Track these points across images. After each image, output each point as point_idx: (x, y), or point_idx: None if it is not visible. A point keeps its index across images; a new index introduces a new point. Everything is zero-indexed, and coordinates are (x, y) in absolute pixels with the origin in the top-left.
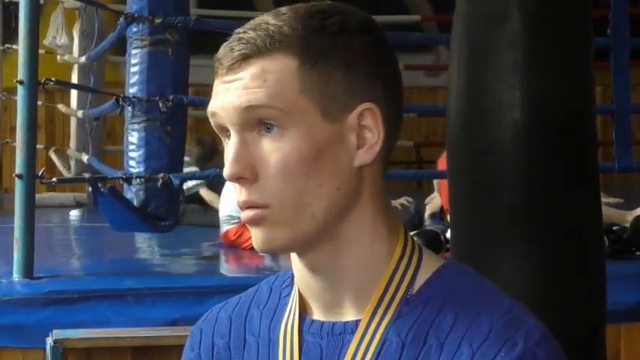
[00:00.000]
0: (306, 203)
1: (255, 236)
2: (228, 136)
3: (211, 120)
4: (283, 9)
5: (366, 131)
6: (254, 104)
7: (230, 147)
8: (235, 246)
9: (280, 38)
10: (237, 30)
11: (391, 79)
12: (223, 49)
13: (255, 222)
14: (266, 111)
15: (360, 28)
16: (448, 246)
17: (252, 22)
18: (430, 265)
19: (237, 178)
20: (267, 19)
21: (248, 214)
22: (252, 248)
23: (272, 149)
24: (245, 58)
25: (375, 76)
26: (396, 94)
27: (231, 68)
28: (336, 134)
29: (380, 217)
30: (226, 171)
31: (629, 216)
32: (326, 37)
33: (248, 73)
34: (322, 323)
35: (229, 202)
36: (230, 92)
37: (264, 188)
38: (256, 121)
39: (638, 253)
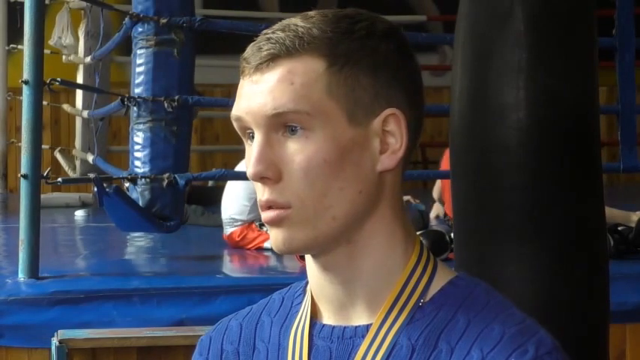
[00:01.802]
0: (327, 205)
1: (275, 237)
2: (251, 138)
3: (235, 123)
4: (311, 13)
5: (390, 137)
6: (281, 110)
7: (254, 147)
8: (240, 247)
9: (309, 39)
10: (265, 31)
11: (413, 85)
12: (251, 49)
13: (276, 223)
14: (292, 116)
15: (385, 34)
16: (453, 246)
17: (280, 23)
18: (444, 276)
19: (261, 178)
20: (295, 22)
21: (269, 214)
22: (257, 249)
23: (296, 150)
24: (273, 58)
25: (398, 82)
26: (417, 100)
27: (259, 68)
28: (360, 138)
29: (397, 223)
30: (249, 170)
31: (634, 216)
32: (354, 40)
33: (275, 76)
34: (333, 327)
35: (232, 204)
36: (256, 97)
37: (287, 188)
38: (282, 124)
39: None
